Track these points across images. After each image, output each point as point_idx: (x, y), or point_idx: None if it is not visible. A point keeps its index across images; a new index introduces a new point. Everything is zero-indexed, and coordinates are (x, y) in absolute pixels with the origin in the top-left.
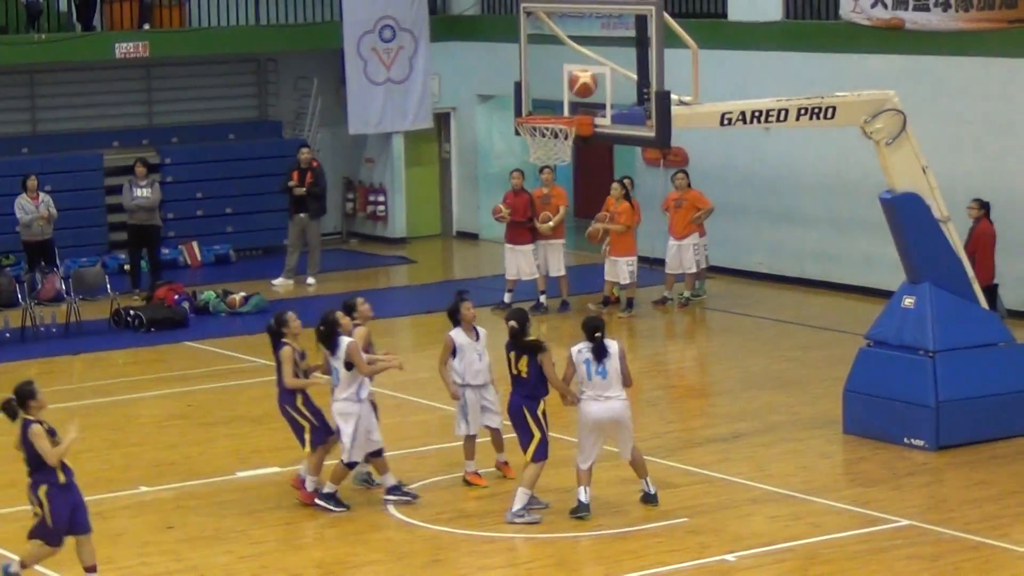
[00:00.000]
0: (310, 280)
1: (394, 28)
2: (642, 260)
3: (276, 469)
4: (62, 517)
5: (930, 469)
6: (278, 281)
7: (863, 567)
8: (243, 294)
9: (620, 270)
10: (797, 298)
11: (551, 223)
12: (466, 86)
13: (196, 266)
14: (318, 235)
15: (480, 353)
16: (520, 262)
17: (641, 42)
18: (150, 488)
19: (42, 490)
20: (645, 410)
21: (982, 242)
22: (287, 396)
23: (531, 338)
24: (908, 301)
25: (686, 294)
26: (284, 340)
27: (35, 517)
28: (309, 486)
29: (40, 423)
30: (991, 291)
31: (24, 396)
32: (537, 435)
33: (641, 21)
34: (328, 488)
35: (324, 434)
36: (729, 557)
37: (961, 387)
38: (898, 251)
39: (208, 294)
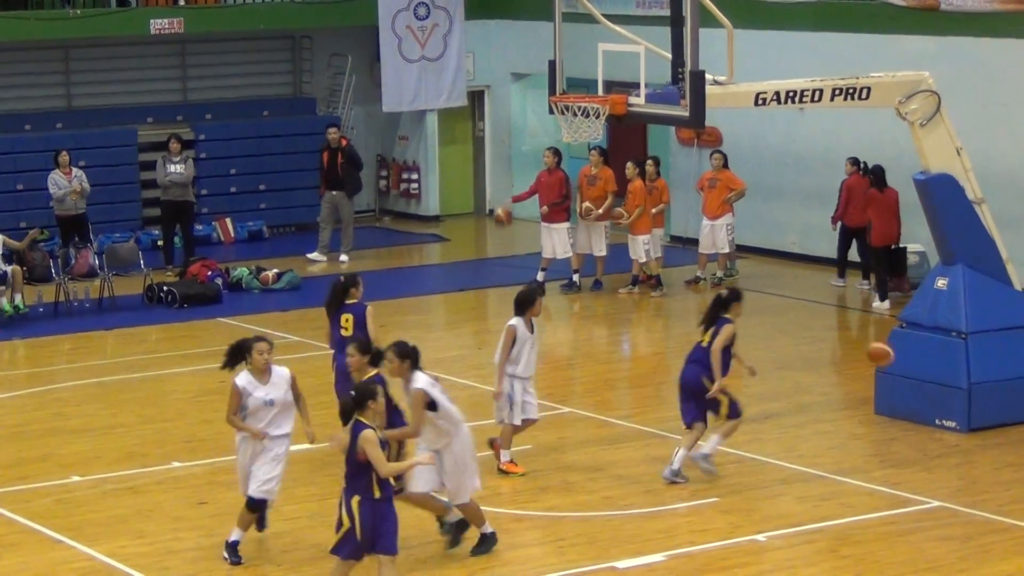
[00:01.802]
0: (343, 257)
1: (428, 6)
2: (675, 239)
3: (307, 446)
4: (368, 531)
5: (961, 451)
6: (314, 255)
7: (893, 548)
8: (276, 271)
9: (637, 248)
10: (828, 278)
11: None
12: (500, 64)
13: (229, 242)
14: (351, 212)
15: (534, 346)
16: (555, 241)
17: (676, 21)
18: (183, 464)
19: (355, 500)
20: (676, 390)
21: (881, 204)
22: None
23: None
24: (941, 282)
25: (719, 274)
26: (348, 302)
27: (340, 528)
28: None
29: (373, 429)
30: (898, 252)
31: (364, 397)
32: (724, 399)
33: (676, 0)
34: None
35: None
36: (759, 537)
37: (994, 369)
38: (932, 232)
39: (241, 270)
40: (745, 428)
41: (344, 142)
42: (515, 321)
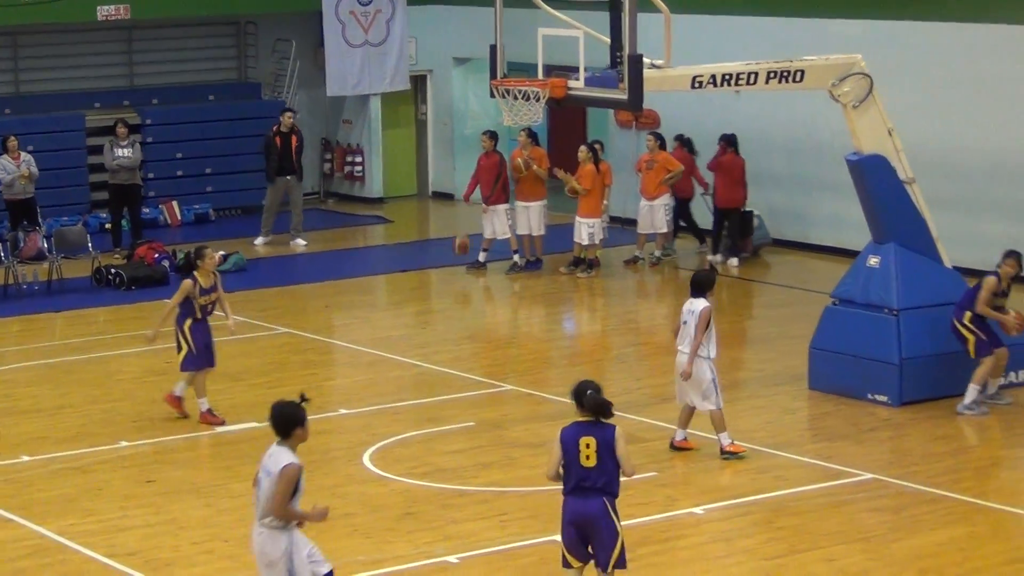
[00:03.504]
0: (301, 241)
1: None
2: (614, 220)
3: (254, 424)
4: None
5: (893, 424)
6: (260, 240)
7: (827, 519)
8: (222, 253)
9: (581, 231)
10: (764, 257)
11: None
12: (442, 49)
13: (176, 225)
14: (301, 196)
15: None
16: (495, 222)
17: (614, 6)
18: (130, 443)
19: None
20: (616, 367)
21: (726, 169)
22: (180, 317)
23: None
24: (873, 260)
25: (657, 253)
26: (195, 272)
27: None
28: (203, 406)
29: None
30: (744, 216)
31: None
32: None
33: None
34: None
35: (203, 361)
36: (697, 510)
37: (924, 344)
38: (864, 211)
39: (185, 252)
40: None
41: (296, 127)
42: (709, 303)
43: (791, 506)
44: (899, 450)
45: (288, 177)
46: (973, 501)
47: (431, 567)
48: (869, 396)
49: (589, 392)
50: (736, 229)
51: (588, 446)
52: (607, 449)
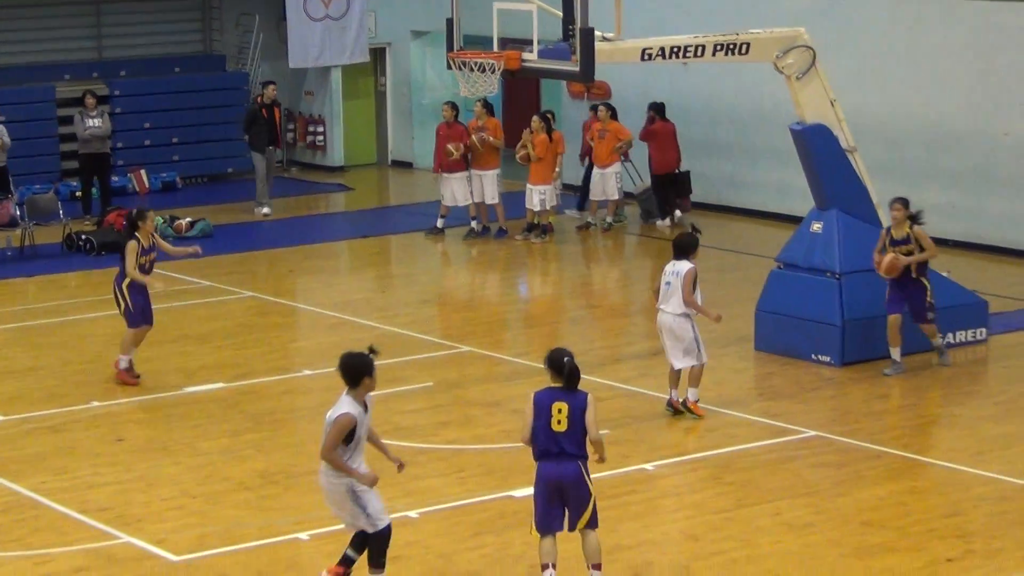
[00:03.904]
0: (266, 209)
1: None
2: (567, 187)
3: (221, 385)
4: None
5: (835, 383)
6: (264, 210)
7: (773, 474)
8: (189, 219)
9: (533, 197)
10: (712, 223)
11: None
12: (400, 22)
13: (144, 193)
14: (274, 166)
15: None
16: (454, 188)
17: None
18: (102, 403)
19: None
20: (570, 329)
21: (659, 136)
22: (119, 278)
23: None
24: (816, 226)
25: (609, 219)
26: (136, 234)
27: None
28: (122, 364)
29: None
30: (680, 177)
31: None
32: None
33: None
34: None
35: (139, 318)
36: (648, 466)
37: (865, 307)
38: (807, 179)
39: (156, 219)
40: (634, 364)
41: (259, 100)
42: (693, 264)
43: (738, 462)
44: (841, 408)
45: (272, 147)
46: (913, 457)
47: (393, 521)
48: (813, 356)
49: (567, 359)
50: (672, 191)
51: (560, 411)
52: (579, 414)
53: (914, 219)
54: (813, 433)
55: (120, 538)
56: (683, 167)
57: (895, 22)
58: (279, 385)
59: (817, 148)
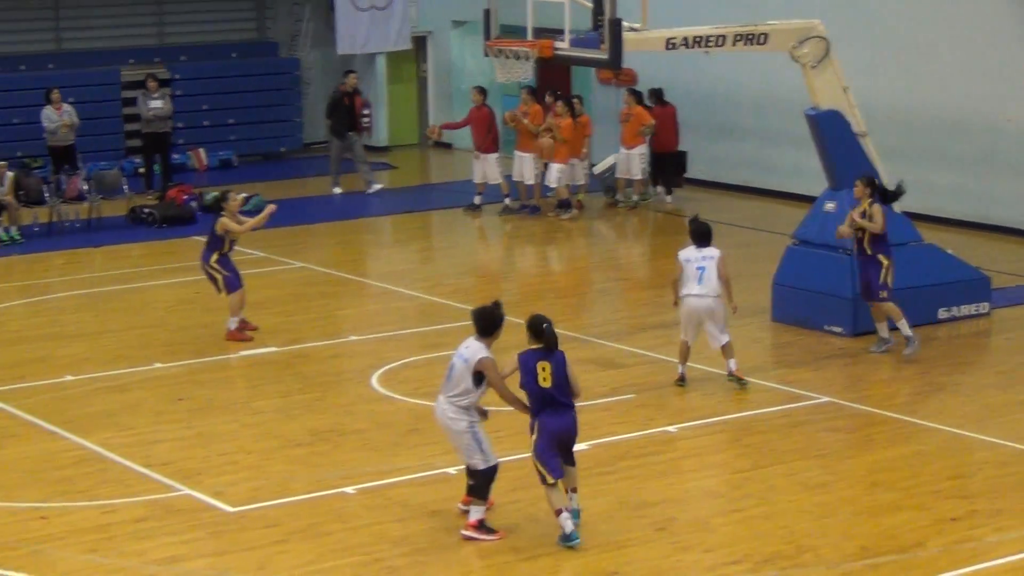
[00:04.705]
0: (377, 184)
1: None
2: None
3: (274, 349)
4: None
5: (847, 353)
6: (337, 189)
7: (788, 437)
8: (244, 194)
9: (551, 175)
10: (733, 202)
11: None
12: (441, 12)
13: (203, 169)
14: (363, 148)
15: None
16: (486, 169)
17: None
18: (163, 365)
19: None
20: (598, 299)
21: (659, 119)
22: (205, 256)
23: None
24: (830, 205)
25: (635, 198)
26: (222, 214)
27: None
28: (231, 324)
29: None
30: (678, 156)
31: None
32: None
33: None
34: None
35: (235, 283)
36: (671, 428)
37: None
38: (821, 161)
39: (213, 194)
40: (658, 333)
41: (342, 88)
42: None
43: (756, 425)
44: (853, 376)
45: (350, 133)
46: (919, 422)
47: (432, 477)
48: (826, 327)
49: (546, 325)
50: (672, 168)
51: (544, 369)
52: (561, 370)
53: (887, 195)
54: (826, 399)
55: (180, 490)
56: (695, 148)
57: (908, 12)
58: (328, 349)
59: (830, 132)
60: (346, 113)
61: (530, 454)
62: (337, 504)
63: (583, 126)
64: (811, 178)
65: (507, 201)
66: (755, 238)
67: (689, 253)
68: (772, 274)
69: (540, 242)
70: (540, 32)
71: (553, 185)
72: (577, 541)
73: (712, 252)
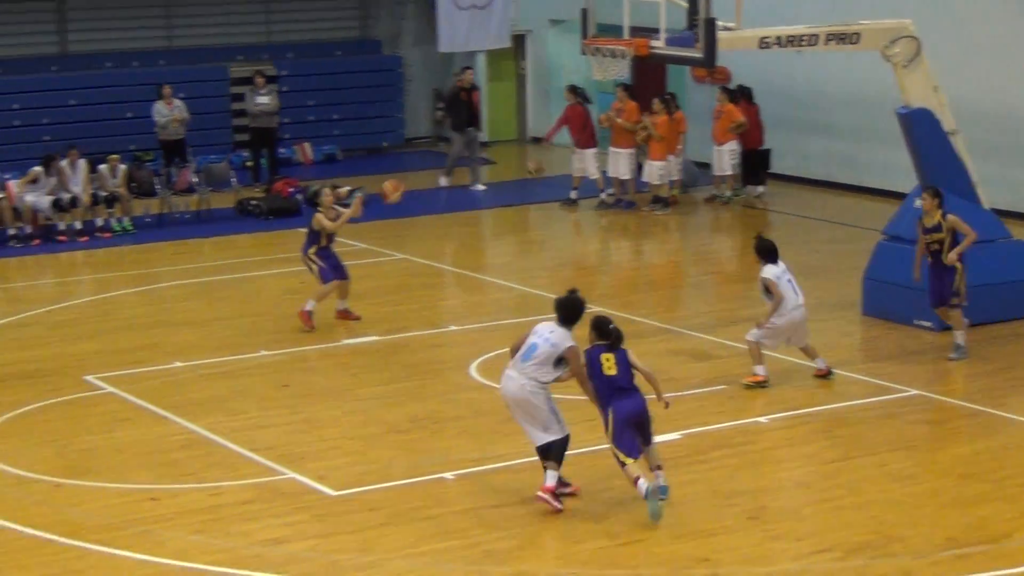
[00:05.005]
0: (480, 186)
1: None
2: (698, 165)
3: (376, 338)
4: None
5: (936, 347)
6: (444, 181)
7: (877, 429)
8: (348, 188)
9: (652, 172)
10: (825, 199)
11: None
12: (540, 11)
13: (308, 163)
14: (479, 145)
15: None
16: (585, 163)
17: None
18: (270, 352)
19: None
20: (691, 293)
21: (746, 117)
22: (305, 248)
23: None
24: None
25: (728, 193)
26: (318, 209)
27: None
28: (307, 306)
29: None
30: (762, 153)
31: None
32: None
33: None
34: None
35: (330, 275)
36: (762, 419)
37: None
38: (911, 158)
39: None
40: (749, 326)
41: (460, 83)
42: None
43: (845, 417)
44: (940, 370)
45: (470, 128)
46: (1007, 416)
47: (527, 464)
48: (915, 322)
49: (612, 327)
50: (757, 164)
51: (608, 360)
52: (624, 362)
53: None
54: (915, 392)
55: (285, 474)
56: (781, 145)
57: (997, 13)
58: (429, 339)
59: (921, 130)
60: (465, 108)
61: (608, 444)
62: (436, 489)
63: (678, 123)
64: (901, 175)
65: (603, 196)
66: (846, 234)
67: (774, 271)
68: (862, 269)
69: (635, 236)
70: (636, 31)
71: (655, 182)
72: (661, 499)
73: (784, 266)
